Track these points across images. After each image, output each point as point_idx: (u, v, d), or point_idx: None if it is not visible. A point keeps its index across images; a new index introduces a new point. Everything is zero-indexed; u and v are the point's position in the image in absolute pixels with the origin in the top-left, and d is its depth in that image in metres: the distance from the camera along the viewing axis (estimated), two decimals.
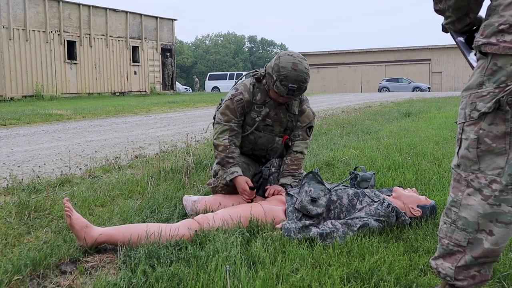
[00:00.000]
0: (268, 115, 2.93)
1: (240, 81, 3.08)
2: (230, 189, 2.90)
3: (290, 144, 3.02)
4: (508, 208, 1.47)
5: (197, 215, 2.61)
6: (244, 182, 2.78)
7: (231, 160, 2.85)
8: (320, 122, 8.45)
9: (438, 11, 1.70)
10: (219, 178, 2.94)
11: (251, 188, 2.76)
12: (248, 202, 2.75)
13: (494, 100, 1.41)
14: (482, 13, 1.58)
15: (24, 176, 3.92)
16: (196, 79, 41.41)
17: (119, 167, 4.39)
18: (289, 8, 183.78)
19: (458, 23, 1.67)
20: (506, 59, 1.39)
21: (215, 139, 2.93)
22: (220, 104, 3.04)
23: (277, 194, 2.80)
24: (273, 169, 2.98)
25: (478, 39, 1.48)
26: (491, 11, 1.47)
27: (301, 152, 2.97)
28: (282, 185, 2.88)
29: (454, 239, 1.56)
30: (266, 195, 2.84)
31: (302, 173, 3.02)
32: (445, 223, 1.60)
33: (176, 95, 25.08)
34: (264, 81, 2.89)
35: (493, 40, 1.42)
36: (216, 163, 2.98)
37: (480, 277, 1.57)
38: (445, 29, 1.75)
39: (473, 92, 1.48)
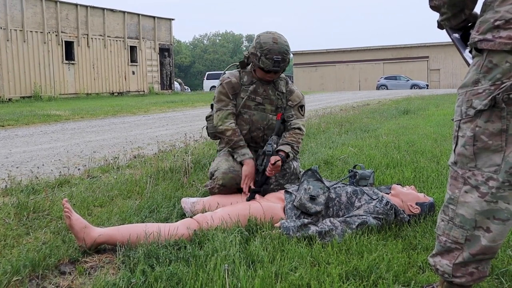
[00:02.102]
0: (256, 91, 3.05)
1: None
2: (227, 189, 2.94)
3: (286, 120, 3.10)
4: (505, 205, 1.48)
5: (195, 215, 2.61)
6: (252, 167, 2.92)
7: (241, 143, 3.02)
8: (319, 120, 8.45)
9: (433, 7, 1.70)
10: (215, 179, 2.96)
11: (252, 191, 2.83)
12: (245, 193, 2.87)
13: (490, 98, 1.41)
14: (478, 9, 1.58)
15: (23, 177, 3.92)
16: (180, 80, 41.19)
17: (117, 167, 4.39)
18: (287, 7, 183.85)
19: (453, 20, 1.67)
20: (501, 56, 1.39)
21: (220, 125, 3.04)
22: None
23: (276, 165, 2.83)
24: (275, 146, 2.99)
25: (474, 36, 1.48)
26: (486, 7, 1.47)
27: (299, 128, 3.06)
28: (278, 152, 2.91)
29: (452, 236, 1.57)
30: (271, 164, 2.83)
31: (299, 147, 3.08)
32: (442, 220, 1.61)
33: (175, 95, 25.04)
34: (248, 66, 3.07)
35: (489, 36, 1.42)
36: (228, 147, 3.08)
37: (478, 273, 1.57)
38: (440, 25, 1.76)
39: (469, 89, 1.48)
